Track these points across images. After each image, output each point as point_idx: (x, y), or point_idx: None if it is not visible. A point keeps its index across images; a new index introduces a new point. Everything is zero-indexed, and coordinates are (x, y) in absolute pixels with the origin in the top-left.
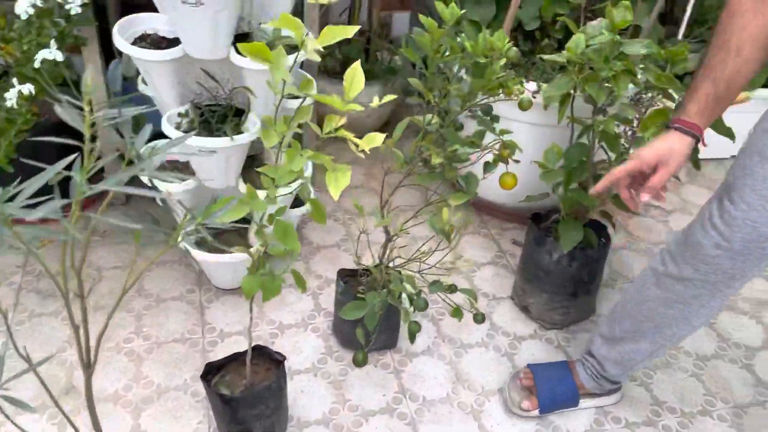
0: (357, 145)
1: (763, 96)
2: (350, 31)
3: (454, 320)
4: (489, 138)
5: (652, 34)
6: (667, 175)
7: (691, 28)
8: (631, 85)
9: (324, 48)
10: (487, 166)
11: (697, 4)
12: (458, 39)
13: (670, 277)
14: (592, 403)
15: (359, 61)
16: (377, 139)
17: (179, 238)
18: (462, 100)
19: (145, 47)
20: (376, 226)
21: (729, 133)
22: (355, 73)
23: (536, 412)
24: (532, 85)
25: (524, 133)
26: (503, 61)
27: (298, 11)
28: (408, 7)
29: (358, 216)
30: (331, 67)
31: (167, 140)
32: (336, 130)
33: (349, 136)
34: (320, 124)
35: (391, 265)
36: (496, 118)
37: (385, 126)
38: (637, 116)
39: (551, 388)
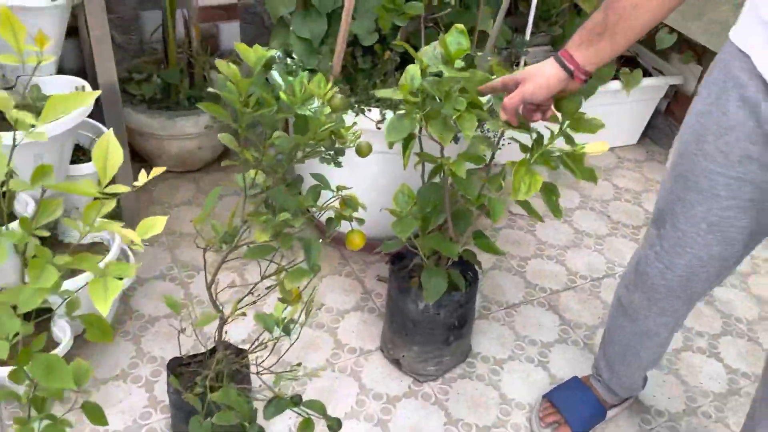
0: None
1: (615, 88)
2: (89, 97)
3: (319, 388)
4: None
5: (499, 37)
6: (519, 96)
7: (537, 24)
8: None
9: (139, 73)
10: (329, 224)
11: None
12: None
13: (629, 306)
14: (618, 410)
15: (111, 131)
16: (157, 224)
17: None
18: (286, 155)
19: None
20: (197, 326)
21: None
22: (108, 147)
23: None
24: (375, 113)
25: (376, 164)
26: (327, 110)
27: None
28: (235, 16)
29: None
30: (151, 96)
31: None
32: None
33: (116, 227)
34: None
35: (228, 350)
36: (341, 152)
37: (222, 156)
38: (490, 152)
39: (579, 411)
